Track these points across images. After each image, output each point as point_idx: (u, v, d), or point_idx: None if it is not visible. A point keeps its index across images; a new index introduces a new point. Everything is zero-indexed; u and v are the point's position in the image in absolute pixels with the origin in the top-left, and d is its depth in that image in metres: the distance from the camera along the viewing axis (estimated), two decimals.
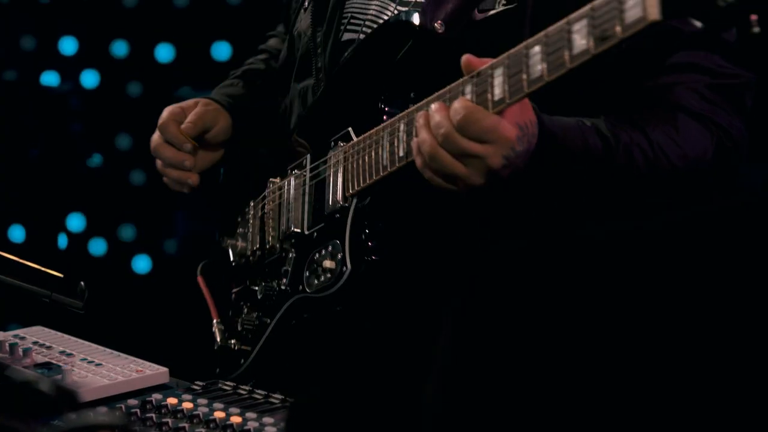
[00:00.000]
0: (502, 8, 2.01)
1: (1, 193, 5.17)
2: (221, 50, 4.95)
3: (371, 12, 2.22)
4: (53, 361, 2.17)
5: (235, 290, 2.46)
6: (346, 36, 2.25)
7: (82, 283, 2.08)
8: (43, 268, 2.09)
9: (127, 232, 5.21)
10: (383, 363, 2.13)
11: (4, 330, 2.38)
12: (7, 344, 2.22)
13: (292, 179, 2.27)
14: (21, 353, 2.20)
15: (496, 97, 1.74)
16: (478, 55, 1.83)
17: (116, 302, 4.92)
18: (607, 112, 1.98)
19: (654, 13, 1.51)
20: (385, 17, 2.17)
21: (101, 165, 5.24)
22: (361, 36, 2.21)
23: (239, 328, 2.38)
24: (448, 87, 1.86)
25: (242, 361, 2.34)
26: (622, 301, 1.94)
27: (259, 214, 2.40)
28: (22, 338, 2.34)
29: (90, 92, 5.24)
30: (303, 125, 2.30)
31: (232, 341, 2.39)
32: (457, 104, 1.76)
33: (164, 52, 5.11)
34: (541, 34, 1.70)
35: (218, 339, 2.43)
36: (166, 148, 2.48)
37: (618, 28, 1.57)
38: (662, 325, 2.02)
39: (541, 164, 1.83)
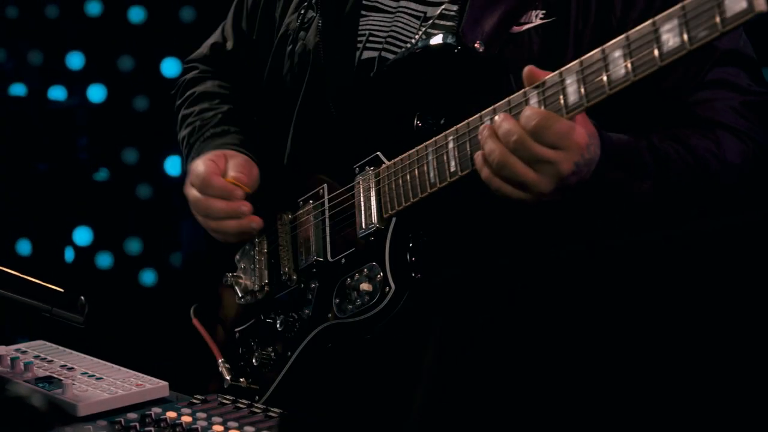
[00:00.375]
0: (540, 21, 2.03)
1: (9, 207, 5.20)
2: None
3: (393, 30, 2.21)
4: (54, 375, 2.18)
5: (239, 329, 2.43)
6: (366, 54, 2.23)
7: (83, 297, 2.09)
8: (44, 283, 2.11)
9: (133, 246, 5.23)
10: (376, 373, 2.15)
11: (11, 344, 2.40)
12: (8, 358, 2.23)
13: (308, 210, 2.27)
14: (22, 367, 2.21)
15: (571, 101, 1.75)
16: (518, 67, 1.85)
17: (123, 315, 4.94)
18: (650, 126, 2.01)
19: (761, 3, 1.53)
20: (409, 35, 2.16)
21: (108, 179, 5.27)
22: (383, 54, 2.20)
23: (254, 364, 2.36)
24: (506, 99, 1.87)
25: (256, 398, 2.31)
26: (612, 319, 1.97)
27: (265, 249, 2.37)
28: (24, 352, 2.35)
29: (97, 106, 5.27)
30: (315, 155, 2.27)
31: (242, 379, 2.37)
32: (528, 111, 1.78)
33: (170, 67, 5.14)
34: (621, 37, 1.73)
35: (227, 377, 2.40)
36: (215, 202, 2.31)
37: (717, 20, 1.58)
38: (661, 344, 2.04)
39: (604, 176, 1.86)
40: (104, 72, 5.24)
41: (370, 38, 2.22)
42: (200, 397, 2.11)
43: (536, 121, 1.76)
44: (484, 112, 1.89)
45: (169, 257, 5.22)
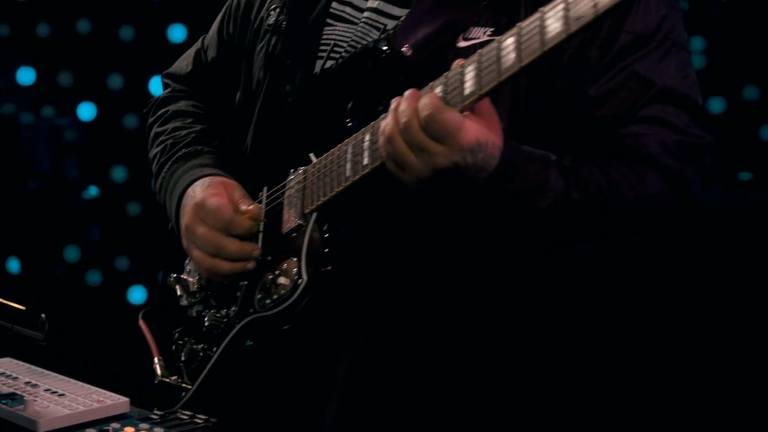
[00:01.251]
0: (486, 38, 2.05)
1: None
2: None
3: (355, 40, 2.23)
4: (17, 392, 2.20)
5: (177, 329, 2.44)
6: (329, 63, 2.25)
7: (44, 315, 2.11)
8: (5, 301, 2.13)
9: (122, 263, 5.26)
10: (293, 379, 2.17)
11: None
12: None
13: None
14: None
15: (467, 91, 1.79)
16: None
17: (112, 333, 4.95)
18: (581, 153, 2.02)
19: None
20: (365, 42, 2.19)
21: (97, 197, 5.30)
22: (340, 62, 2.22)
23: (182, 361, 2.38)
24: (428, 85, 1.91)
25: (183, 394, 2.34)
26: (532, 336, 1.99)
27: None
28: None
29: (86, 124, 5.30)
30: (269, 157, 2.29)
31: (174, 377, 2.39)
32: (426, 99, 1.82)
33: (159, 85, 5.16)
34: (515, 27, 1.77)
35: (159, 373, 2.42)
36: (230, 242, 2.24)
37: (590, 9, 1.65)
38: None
39: (502, 186, 1.87)
40: (94, 90, 5.28)
41: (335, 48, 2.25)
42: (159, 412, 2.13)
43: (428, 111, 1.80)
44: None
45: (159, 274, 5.23)
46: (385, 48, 2.09)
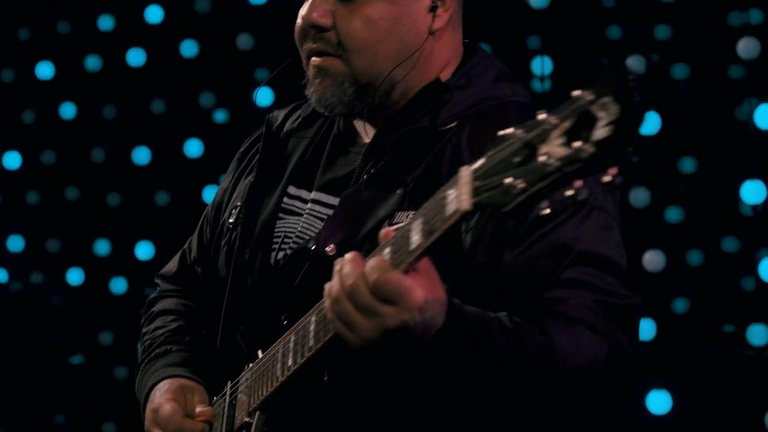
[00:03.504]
0: (408, 221, 2.11)
1: None
2: None
3: (301, 231, 2.30)
4: None
5: None
6: (280, 255, 2.32)
7: None
8: None
9: (109, 429, 5.23)
10: None
11: None
12: None
13: (218, 405, 2.35)
14: None
15: (412, 246, 1.79)
16: None
17: None
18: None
19: (466, 204, 1.66)
20: (309, 236, 2.26)
21: (84, 362, 5.30)
22: (288, 253, 2.29)
23: None
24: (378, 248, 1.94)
25: None
26: None
27: None
28: None
29: (74, 289, 5.34)
30: (230, 351, 2.37)
31: None
32: (372, 262, 1.82)
33: (145, 250, 5.23)
34: (392, 235, 1.84)
35: None
36: None
37: (440, 223, 1.71)
38: None
39: (446, 346, 1.88)
40: (81, 256, 5.34)
41: (285, 239, 2.32)
42: None
43: (376, 275, 1.80)
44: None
45: None
46: (312, 248, 2.17)
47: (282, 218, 2.35)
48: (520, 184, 1.57)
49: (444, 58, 2.27)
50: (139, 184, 5.26)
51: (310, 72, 2.26)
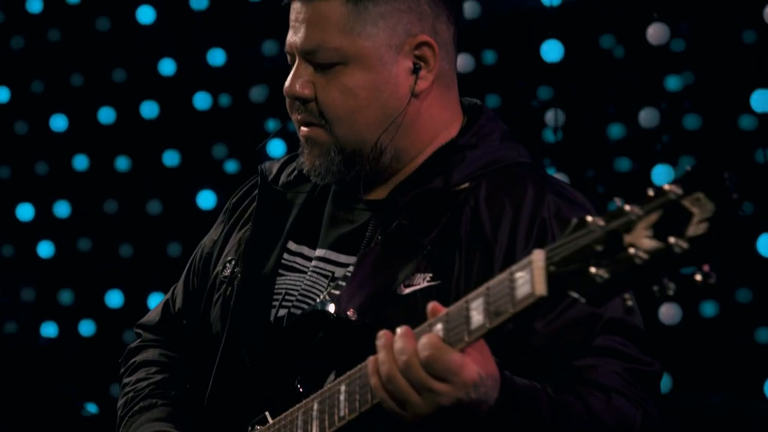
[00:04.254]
0: (426, 284, 2.10)
1: None
2: None
3: (305, 288, 2.27)
4: None
5: None
6: (281, 312, 2.28)
7: None
8: None
9: None
10: None
11: None
12: None
13: None
14: None
15: (474, 326, 1.78)
16: (403, 325, 1.90)
17: None
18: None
19: (541, 289, 1.64)
20: (318, 293, 2.23)
21: (96, 414, 5.28)
22: (292, 311, 2.26)
23: None
24: (427, 322, 1.92)
25: None
26: None
27: None
28: None
29: (86, 340, 5.34)
30: (229, 406, 2.32)
31: None
32: (425, 339, 1.81)
33: (157, 301, 5.21)
34: (443, 312, 1.82)
35: None
36: None
37: (509, 305, 1.70)
38: None
39: (498, 419, 1.88)
40: (93, 307, 5.34)
41: (286, 296, 2.28)
42: None
43: (429, 352, 1.79)
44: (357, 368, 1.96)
45: None
46: (332, 313, 2.12)
47: (282, 275, 2.31)
48: (605, 274, 1.56)
49: (437, 118, 2.24)
50: (152, 235, 5.27)
51: (301, 141, 2.25)
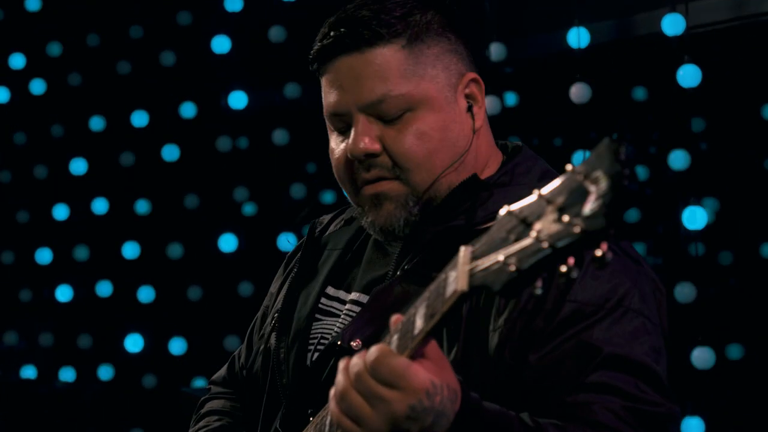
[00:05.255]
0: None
1: None
2: (233, 342, 5.04)
3: (336, 330, 2.26)
4: None
5: None
6: (317, 356, 2.26)
7: None
8: None
9: None
10: None
11: None
12: None
13: None
14: None
15: (416, 330, 1.76)
16: None
17: None
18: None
19: (462, 284, 1.61)
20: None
21: None
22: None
23: None
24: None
25: None
26: None
27: None
28: None
29: (105, 384, 5.31)
30: None
31: None
32: (373, 348, 1.78)
33: (176, 346, 5.20)
34: (400, 321, 1.78)
35: None
36: None
37: (440, 305, 1.66)
38: None
39: None
40: (112, 351, 5.32)
41: (321, 340, 2.27)
42: None
43: (374, 356, 1.74)
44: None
45: None
46: (338, 343, 2.11)
47: (319, 319, 2.31)
48: (513, 264, 1.52)
49: (484, 155, 2.23)
50: (172, 278, 5.24)
51: (365, 201, 2.20)
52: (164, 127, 5.21)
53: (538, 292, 1.52)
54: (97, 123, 5.36)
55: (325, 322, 2.31)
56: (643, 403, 1.95)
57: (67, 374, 5.44)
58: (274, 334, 2.35)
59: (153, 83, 5.23)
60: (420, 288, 2.08)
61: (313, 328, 2.30)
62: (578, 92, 3.97)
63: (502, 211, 1.58)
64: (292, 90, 4.92)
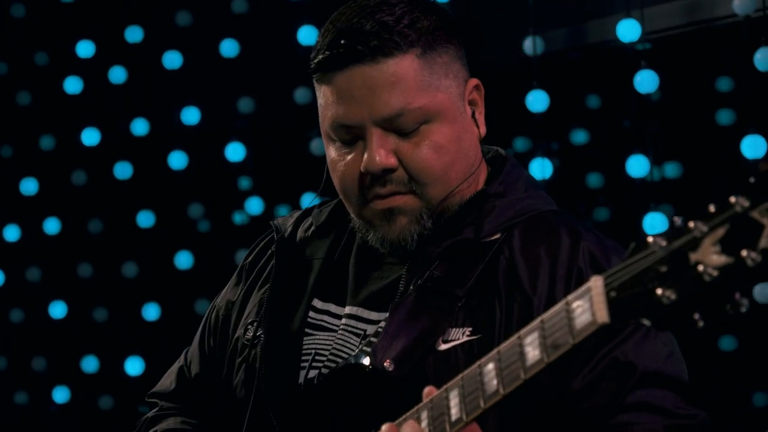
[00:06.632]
0: (466, 338, 2.02)
1: None
2: None
3: (336, 348, 2.19)
4: None
5: None
6: (311, 373, 2.19)
7: None
8: None
9: None
10: None
11: None
12: None
13: None
14: None
15: (453, 418, 1.74)
16: (444, 382, 1.84)
17: None
18: None
19: (603, 316, 1.57)
20: (350, 352, 2.15)
21: None
22: (323, 371, 2.17)
23: None
24: (403, 416, 1.87)
25: None
26: None
27: None
28: None
29: (60, 407, 5.23)
30: None
31: None
32: (407, 428, 1.77)
33: (134, 366, 5.12)
34: (494, 351, 1.74)
35: None
36: None
37: (569, 336, 1.63)
38: None
39: None
40: (67, 374, 5.24)
41: (316, 357, 2.20)
42: None
43: None
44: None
45: None
46: (368, 365, 2.03)
47: (310, 334, 2.23)
48: (672, 295, 1.49)
49: (476, 164, 2.18)
50: (128, 297, 5.17)
51: (374, 215, 2.13)
52: (116, 145, 5.14)
53: (701, 324, 1.49)
54: (47, 142, 5.28)
55: (317, 337, 2.23)
56: (681, 418, 1.96)
57: (21, 397, 5.36)
58: (257, 352, 2.24)
59: (103, 100, 5.16)
60: (438, 305, 2.05)
61: (304, 343, 2.22)
62: (535, 100, 3.97)
63: (640, 242, 1.55)
64: (246, 104, 4.88)
